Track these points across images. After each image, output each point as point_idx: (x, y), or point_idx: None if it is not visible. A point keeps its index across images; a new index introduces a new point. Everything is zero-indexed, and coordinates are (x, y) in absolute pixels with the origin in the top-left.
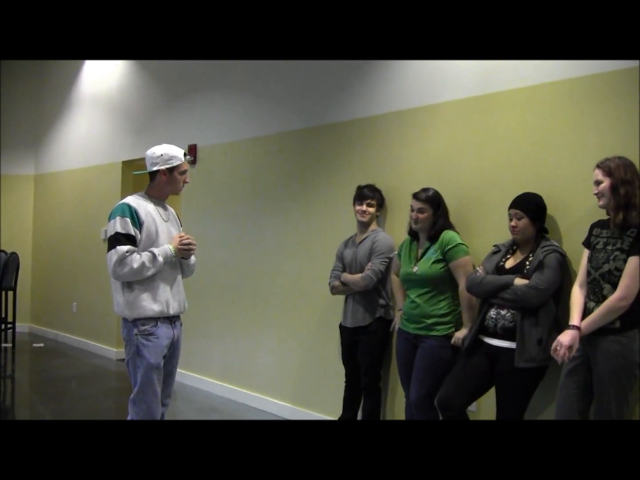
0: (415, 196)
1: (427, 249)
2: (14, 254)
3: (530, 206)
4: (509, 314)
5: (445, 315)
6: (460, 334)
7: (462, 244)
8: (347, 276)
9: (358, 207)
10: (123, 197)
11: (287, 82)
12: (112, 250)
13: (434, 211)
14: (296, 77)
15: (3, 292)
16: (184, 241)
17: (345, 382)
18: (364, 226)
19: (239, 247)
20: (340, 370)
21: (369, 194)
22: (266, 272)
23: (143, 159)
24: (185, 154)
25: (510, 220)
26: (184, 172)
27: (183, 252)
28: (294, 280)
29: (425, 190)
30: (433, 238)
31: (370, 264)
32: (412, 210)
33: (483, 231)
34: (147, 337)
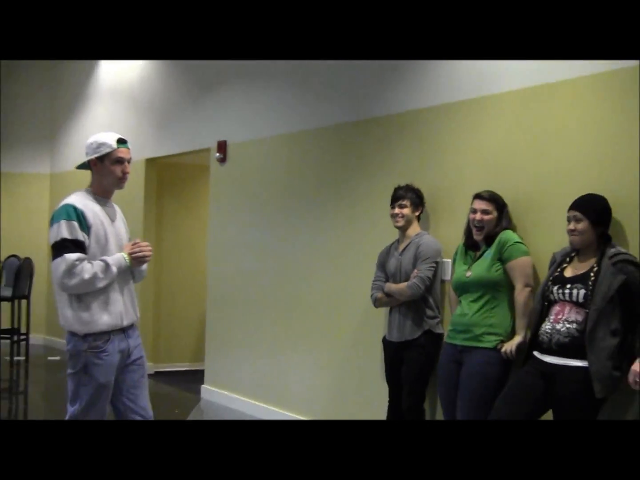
0: (479, 196)
1: (484, 252)
2: (27, 259)
3: (591, 208)
4: (564, 328)
5: (496, 325)
6: (511, 344)
7: (520, 242)
8: (391, 286)
9: (391, 211)
10: (147, 197)
11: (326, 72)
12: (59, 259)
13: (499, 213)
14: (335, 68)
15: (16, 301)
16: (142, 248)
17: (389, 402)
18: (402, 231)
19: (269, 253)
20: (382, 390)
21: (401, 195)
22: (299, 281)
23: (168, 157)
24: (120, 140)
25: (569, 223)
26: (119, 160)
27: (139, 261)
28: (330, 290)
29: (487, 190)
30: (491, 240)
31: (416, 270)
32: (474, 212)
33: (543, 239)
34: (98, 354)
